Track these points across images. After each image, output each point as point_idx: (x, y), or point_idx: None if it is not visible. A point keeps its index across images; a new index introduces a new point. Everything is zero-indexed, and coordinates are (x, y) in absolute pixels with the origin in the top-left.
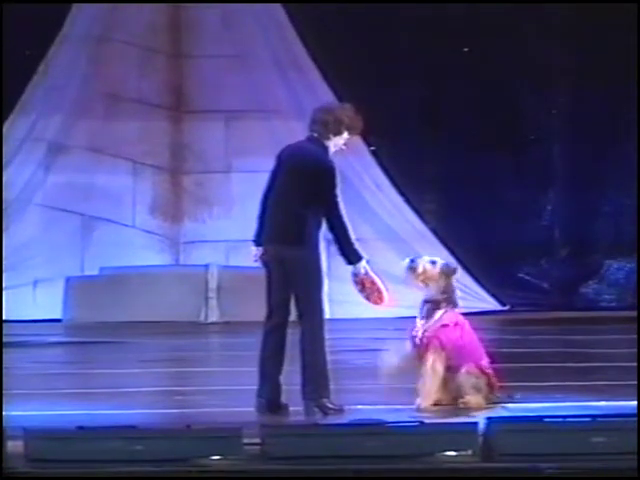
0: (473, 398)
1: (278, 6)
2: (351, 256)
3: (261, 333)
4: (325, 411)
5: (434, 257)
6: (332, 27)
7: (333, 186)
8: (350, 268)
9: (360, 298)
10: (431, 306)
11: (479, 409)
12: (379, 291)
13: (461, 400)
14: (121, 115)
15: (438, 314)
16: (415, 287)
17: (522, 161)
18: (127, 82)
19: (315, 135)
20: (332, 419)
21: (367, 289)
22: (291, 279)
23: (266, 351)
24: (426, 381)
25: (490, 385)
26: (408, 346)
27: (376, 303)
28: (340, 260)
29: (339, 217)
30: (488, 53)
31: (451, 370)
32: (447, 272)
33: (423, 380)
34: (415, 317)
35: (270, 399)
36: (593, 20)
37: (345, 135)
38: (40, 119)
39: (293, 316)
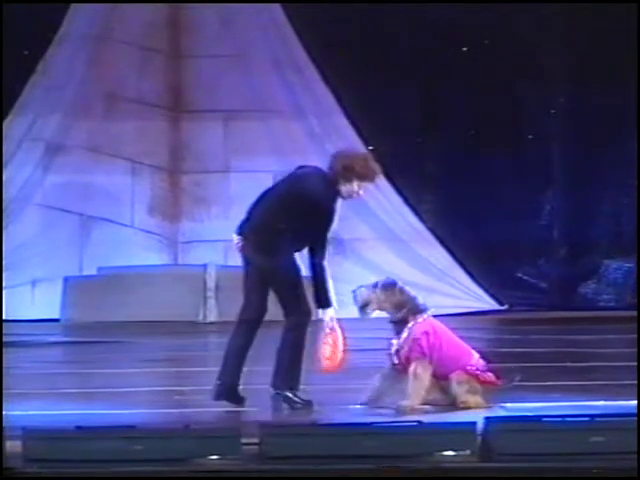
0: (472, 398)
1: (277, 6)
2: (322, 300)
3: (243, 324)
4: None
5: (373, 280)
6: (332, 27)
7: (326, 229)
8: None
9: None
10: (397, 325)
11: (478, 409)
12: (334, 352)
13: (460, 400)
14: (120, 115)
15: (406, 331)
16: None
17: (521, 161)
18: (126, 82)
19: (330, 173)
20: (320, 417)
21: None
22: (266, 282)
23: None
24: (410, 383)
25: (484, 382)
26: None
27: (328, 361)
28: (344, 263)
29: (322, 258)
30: (488, 53)
31: (438, 377)
32: (389, 289)
33: (408, 382)
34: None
35: (229, 385)
36: (593, 20)
37: (355, 184)
38: (38, 119)
39: (274, 316)
